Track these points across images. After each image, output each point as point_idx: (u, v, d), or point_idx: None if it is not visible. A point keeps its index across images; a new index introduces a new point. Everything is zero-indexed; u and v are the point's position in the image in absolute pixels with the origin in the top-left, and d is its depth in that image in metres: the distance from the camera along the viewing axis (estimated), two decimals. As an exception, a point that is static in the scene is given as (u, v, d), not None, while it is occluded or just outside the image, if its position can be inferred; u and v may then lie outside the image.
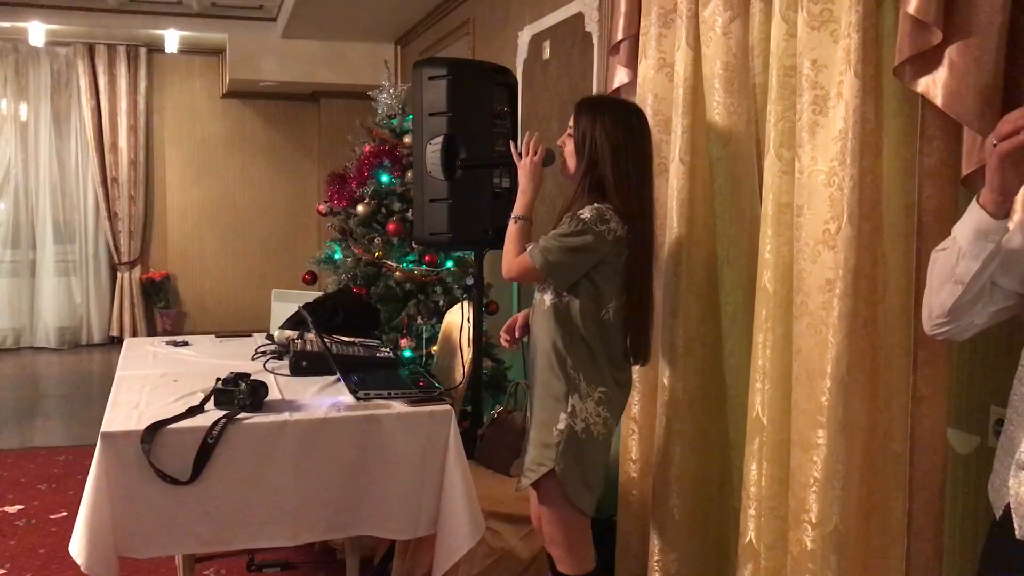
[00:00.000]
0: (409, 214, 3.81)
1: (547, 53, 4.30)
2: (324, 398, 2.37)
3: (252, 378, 2.25)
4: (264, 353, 2.94)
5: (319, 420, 2.21)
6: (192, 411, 2.18)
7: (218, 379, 2.26)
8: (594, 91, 3.69)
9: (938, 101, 1.79)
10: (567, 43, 4.07)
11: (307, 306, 3.05)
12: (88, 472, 2.05)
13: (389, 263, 3.88)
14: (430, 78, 2.96)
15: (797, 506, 2.07)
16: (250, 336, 3.38)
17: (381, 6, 6.38)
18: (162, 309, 8.42)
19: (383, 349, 2.85)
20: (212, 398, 2.24)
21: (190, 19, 7.51)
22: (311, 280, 4.32)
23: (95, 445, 2.04)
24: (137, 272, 8.38)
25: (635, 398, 2.73)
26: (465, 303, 3.15)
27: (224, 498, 2.11)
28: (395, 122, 4.09)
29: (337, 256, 4.09)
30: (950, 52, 1.77)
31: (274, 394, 2.36)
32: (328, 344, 2.65)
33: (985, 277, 1.41)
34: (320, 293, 3.79)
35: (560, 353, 2.22)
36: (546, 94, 4.32)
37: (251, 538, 2.19)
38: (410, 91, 3.33)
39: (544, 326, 2.26)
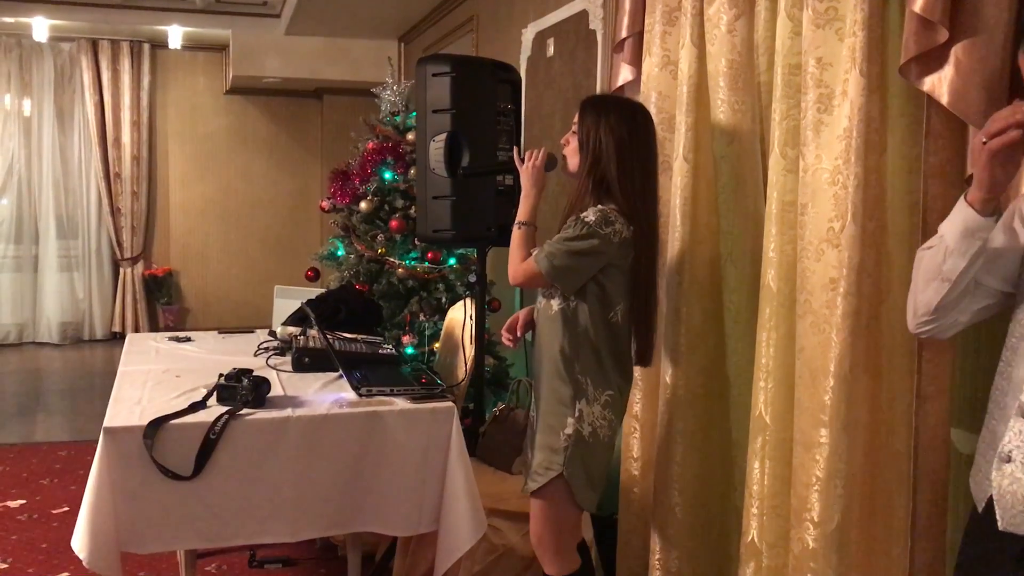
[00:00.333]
0: (412, 211, 3.81)
1: (551, 50, 4.29)
2: (326, 394, 2.38)
3: (254, 374, 2.26)
4: (267, 349, 2.96)
5: (321, 416, 2.21)
6: (194, 407, 2.19)
7: (220, 375, 2.26)
8: (598, 89, 3.68)
9: (944, 100, 1.79)
10: (571, 40, 4.06)
11: (310, 302, 3.05)
12: (90, 467, 2.05)
13: (392, 260, 3.88)
14: (434, 75, 2.96)
15: (799, 505, 2.07)
16: (253, 332, 3.39)
17: (385, 3, 6.37)
18: (164, 305, 8.42)
19: (385, 346, 2.85)
20: (214, 394, 2.24)
21: (194, 15, 7.51)
22: (314, 276, 4.31)
23: (97, 440, 2.05)
24: (140, 268, 8.38)
25: (637, 396, 2.73)
26: (467, 300, 3.15)
27: (226, 494, 2.11)
28: (398, 119, 4.09)
29: (340, 253, 4.09)
30: (956, 51, 1.76)
31: (276, 390, 2.36)
32: (331, 341, 2.65)
33: (971, 275, 1.42)
34: (323, 290, 3.79)
35: (568, 358, 2.21)
36: (550, 91, 4.31)
37: (253, 534, 2.20)
38: (413, 88, 3.33)
39: (551, 331, 2.25)
